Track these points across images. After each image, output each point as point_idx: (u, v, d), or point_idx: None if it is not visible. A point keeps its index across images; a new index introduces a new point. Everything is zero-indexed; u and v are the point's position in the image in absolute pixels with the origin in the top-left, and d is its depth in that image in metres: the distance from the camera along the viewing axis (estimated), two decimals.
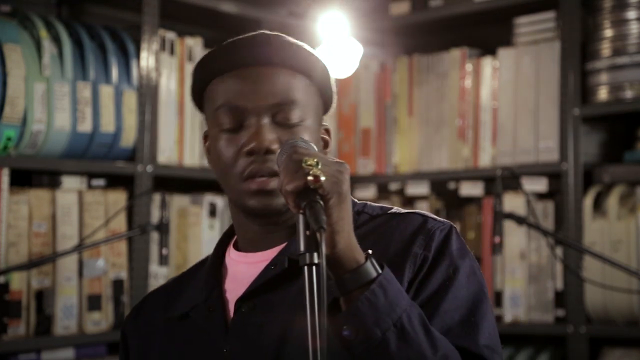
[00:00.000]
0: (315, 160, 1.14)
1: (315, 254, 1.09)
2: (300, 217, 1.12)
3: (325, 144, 1.39)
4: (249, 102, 1.30)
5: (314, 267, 1.08)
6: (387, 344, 1.13)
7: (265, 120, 1.30)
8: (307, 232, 1.11)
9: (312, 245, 1.10)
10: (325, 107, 1.40)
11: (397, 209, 1.36)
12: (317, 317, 1.06)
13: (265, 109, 1.30)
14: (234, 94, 1.31)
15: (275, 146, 1.28)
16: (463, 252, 1.29)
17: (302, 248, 1.10)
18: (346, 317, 1.15)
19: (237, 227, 1.40)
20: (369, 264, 1.16)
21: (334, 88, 1.41)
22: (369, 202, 1.39)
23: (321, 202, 1.12)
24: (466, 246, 1.31)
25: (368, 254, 1.18)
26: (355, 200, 1.38)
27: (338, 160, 1.19)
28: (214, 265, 1.40)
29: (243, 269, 1.36)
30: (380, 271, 1.17)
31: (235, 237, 1.43)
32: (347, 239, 1.15)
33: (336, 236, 1.14)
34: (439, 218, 1.33)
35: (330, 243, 1.13)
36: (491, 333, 1.25)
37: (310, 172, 1.12)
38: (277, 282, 1.29)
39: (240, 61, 1.32)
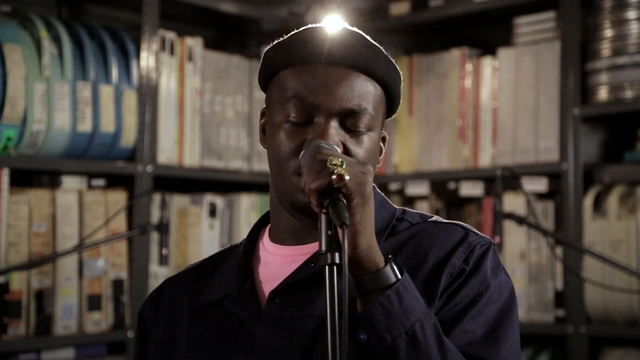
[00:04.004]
0: (340, 160, 1.15)
1: (337, 254, 1.10)
2: (323, 217, 1.13)
3: (380, 152, 1.38)
4: (322, 101, 1.28)
5: (334, 267, 1.10)
6: (397, 351, 1.14)
7: (334, 122, 1.29)
8: (329, 232, 1.12)
9: (334, 245, 1.11)
10: (388, 116, 1.40)
11: (437, 217, 1.37)
12: (338, 317, 1.07)
13: (337, 111, 1.29)
14: (310, 90, 1.29)
15: (340, 149, 1.27)
16: (496, 270, 1.30)
17: (323, 248, 1.11)
18: (360, 319, 1.16)
19: (275, 218, 1.38)
20: (388, 268, 1.17)
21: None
22: (407, 209, 1.39)
23: (344, 201, 1.13)
24: (500, 263, 1.32)
25: (389, 258, 1.18)
26: (395, 206, 1.39)
27: (361, 162, 1.20)
28: (247, 253, 1.40)
29: (278, 261, 1.36)
30: (399, 276, 1.17)
31: (270, 225, 1.41)
32: (369, 240, 1.16)
33: (358, 237, 1.14)
34: (480, 233, 1.34)
35: (352, 243, 1.14)
36: (513, 349, 1.26)
37: (335, 171, 1.13)
38: (315, 279, 1.28)
39: (323, 57, 1.30)
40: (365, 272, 1.16)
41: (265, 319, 1.29)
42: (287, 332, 1.26)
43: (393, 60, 1.36)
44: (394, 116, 1.42)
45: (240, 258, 1.39)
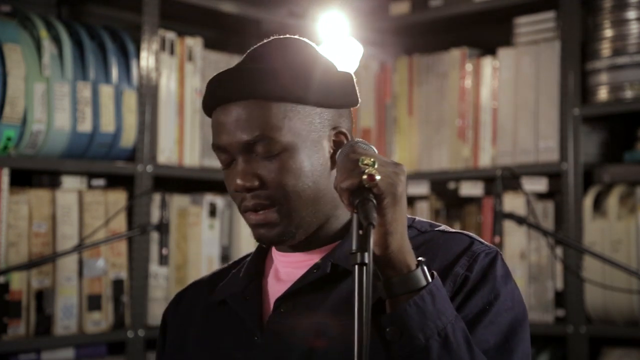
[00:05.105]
0: (372, 159, 1.15)
1: (366, 254, 1.09)
2: (355, 216, 1.13)
3: (339, 145, 1.34)
4: (225, 142, 1.29)
5: (364, 267, 1.09)
6: (429, 351, 1.14)
7: (241, 158, 1.29)
8: (360, 232, 1.11)
9: (364, 244, 1.10)
10: (348, 104, 1.35)
11: (445, 227, 1.37)
12: (364, 316, 1.07)
13: (240, 147, 1.29)
14: (215, 135, 1.31)
15: (255, 183, 1.27)
16: (506, 279, 1.30)
17: (353, 247, 1.10)
18: (392, 318, 1.15)
19: None
20: (419, 271, 1.17)
21: (351, 84, 1.35)
22: (417, 217, 1.40)
23: (374, 201, 1.12)
24: (509, 272, 1.32)
25: (420, 260, 1.18)
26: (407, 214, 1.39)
27: (396, 162, 1.19)
28: (257, 257, 1.42)
29: (284, 267, 1.38)
30: (430, 279, 1.17)
31: None
32: (400, 241, 1.16)
33: (389, 237, 1.14)
34: (485, 242, 1.33)
35: (383, 244, 1.14)
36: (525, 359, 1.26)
37: (366, 171, 1.13)
38: (318, 285, 1.29)
39: (218, 99, 1.31)
40: (396, 273, 1.16)
41: (269, 326, 1.31)
42: (288, 340, 1.28)
43: (307, 69, 1.30)
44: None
45: (250, 260, 1.41)
